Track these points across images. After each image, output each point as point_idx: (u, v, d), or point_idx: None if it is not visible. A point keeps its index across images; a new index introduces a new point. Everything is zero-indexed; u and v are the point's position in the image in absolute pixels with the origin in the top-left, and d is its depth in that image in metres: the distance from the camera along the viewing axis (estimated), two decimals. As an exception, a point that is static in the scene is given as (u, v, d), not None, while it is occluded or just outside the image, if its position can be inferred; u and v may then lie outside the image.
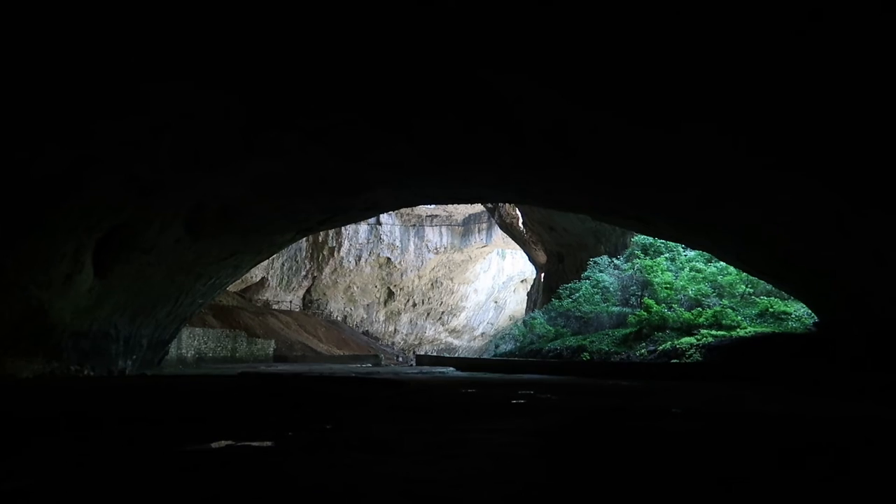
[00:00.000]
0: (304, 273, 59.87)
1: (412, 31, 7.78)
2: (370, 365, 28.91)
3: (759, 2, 6.02)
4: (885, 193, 8.71)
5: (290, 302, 58.36)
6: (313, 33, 7.98)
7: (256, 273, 55.06)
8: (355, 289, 63.36)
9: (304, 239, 58.29)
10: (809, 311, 15.74)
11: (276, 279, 57.81)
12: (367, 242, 62.07)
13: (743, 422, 6.20)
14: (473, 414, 6.71)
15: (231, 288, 50.07)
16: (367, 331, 61.46)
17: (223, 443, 4.66)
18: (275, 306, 53.77)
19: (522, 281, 63.31)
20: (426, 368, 22.93)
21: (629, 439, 4.90)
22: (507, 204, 43.05)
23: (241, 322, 35.08)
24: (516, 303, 64.67)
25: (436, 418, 6.21)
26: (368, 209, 18.68)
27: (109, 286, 15.32)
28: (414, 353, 42.14)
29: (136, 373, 17.50)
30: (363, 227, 61.38)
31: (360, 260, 61.80)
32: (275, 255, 55.28)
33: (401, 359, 43.17)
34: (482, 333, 67.45)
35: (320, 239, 58.87)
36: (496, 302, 68.07)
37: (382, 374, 17.14)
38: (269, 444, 4.67)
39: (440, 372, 18.83)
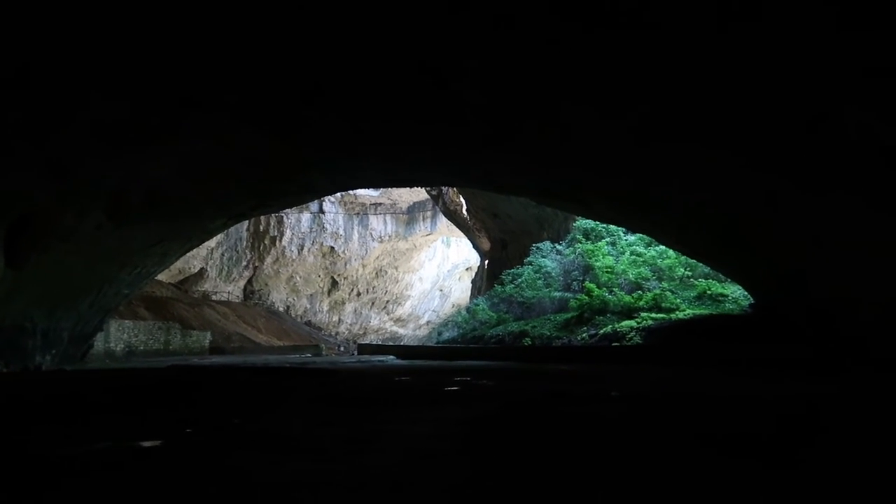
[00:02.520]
0: (244, 263, 58.10)
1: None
2: (310, 355, 28.11)
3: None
4: (819, 175, 8.63)
5: (230, 293, 56.59)
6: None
7: (195, 263, 53.12)
8: (298, 279, 61.98)
9: (245, 228, 56.61)
10: (746, 293, 15.89)
11: (216, 270, 55.91)
12: (310, 231, 60.69)
13: (680, 404, 5.93)
14: (400, 403, 6.24)
15: (166, 278, 48.17)
16: (309, 321, 60.27)
17: (103, 444, 4.05)
18: (214, 297, 52.04)
19: (467, 269, 63.17)
20: (366, 357, 22.36)
21: (563, 427, 4.52)
22: (451, 191, 42.64)
23: (175, 314, 33.67)
24: (461, 291, 64.56)
25: (357, 410, 5.72)
26: (303, 193, 17.93)
27: (23, 277, 14.17)
28: (355, 342, 41.43)
29: (54, 368, 16.37)
30: (306, 216, 59.98)
31: (302, 249, 60.39)
32: (213, 245, 53.48)
33: (342, 348, 42.34)
34: (427, 322, 67.11)
35: (261, 228, 57.23)
36: (441, 290, 67.83)
37: (318, 363, 16.52)
38: (158, 443, 4.08)
39: (379, 360, 18.32)
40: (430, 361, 16.75)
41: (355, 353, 31.75)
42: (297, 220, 59.89)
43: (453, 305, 64.44)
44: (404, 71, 9.25)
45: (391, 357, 20.81)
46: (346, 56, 8.71)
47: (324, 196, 19.23)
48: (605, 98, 8.91)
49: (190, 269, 53.05)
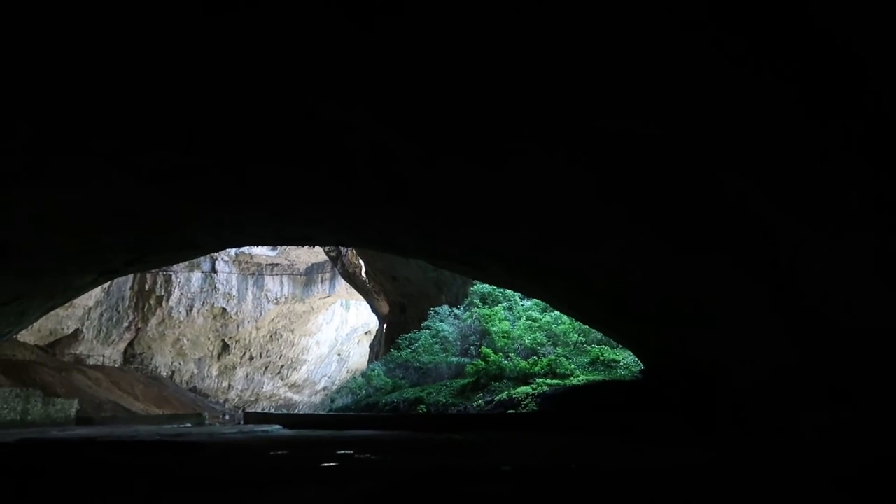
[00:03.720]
0: (126, 324, 54.07)
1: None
2: (189, 425, 25.93)
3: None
4: (697, 237, 8.81)
5: (109, 357, 52.25)
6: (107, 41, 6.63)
7: (68, 324, 48.83)
8: (185, 341, 58.33)
9: (129, 286, 52.94)
10: (637, 360, 16.10)
11: (93, 331, 51.63)
12: (201, 291, 57.69)
13: (568, 482, 5.53)
14: (266, 485, 5.46)
15: (32, 339, 43.85)
16: (195, 387, 56.52)
17: None
18: (90, 361, 47.77)
19: (367, 333, 61.82)
20: (249, 427, 20.78)
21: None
22: (349, 252, 41.96)
23: (38, 379, 30.38)
24: (360, 355, 62.91)
25: (212, 495, 4.91)
26: (184, 249, 16.75)
27: None
28: (243, 411, 38.94)
29: None
30: (196, 275, 57.06)
31: (191, 310, 57.14)
32: (91, 304, 49.54)
33: (227, 417, 39.66)
34: (324, 388, 64.66)
35: (147, 287, 53.76)
36: (339, 354, 65.87)
37: (194, 435, 15.04)
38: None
39: (263, 431, 16.98)
40: (319, 431, 15.69)
41: (241, 421, 29.66)
42: (187, 280, 56.77)
43: (349, 371, 62.66)
44: (287, 114, 8.78)
45: (277, 427, 19.43)
46: (222, 100, 8.15)
47: (209, 253, 18.05)
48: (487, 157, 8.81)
49: (62, 329, 48.69)
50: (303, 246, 25.47)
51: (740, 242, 8.30)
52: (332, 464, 7.08)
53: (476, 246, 13.09)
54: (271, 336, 61.70)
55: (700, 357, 11.88)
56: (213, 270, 57.67)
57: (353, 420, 17.96)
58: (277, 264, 59.37)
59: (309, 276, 58.88)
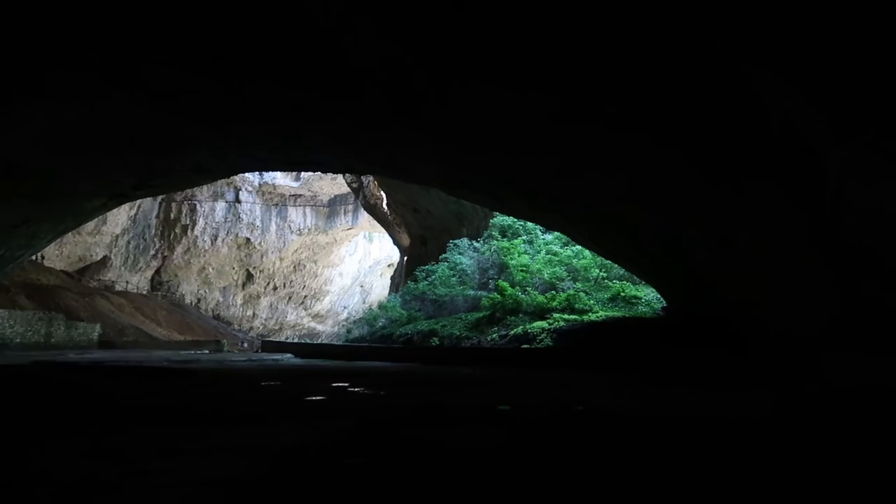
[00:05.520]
0: (153, 252, 54.65)
1: None
2: (208, 352, 26.12)
3: None
4: (731, 160, 7.87)
5: (136, 284, 53.04)
6: None
7: (97, 251, 49.43)
8: (210, 270, 58.93)
9: (154, 215, 53.20)
10: (659, 296, 15.36)
11: (121, 258, 52.30)
12: (225, 221, 57.77)
13: (573, 427, 4.91)
14: (231, 420, 4.95)
15: (60, 265, 44.49)
16: (219, 315, 57.35)
17: None
18: (118, 287, 48.46)
19: (389, 265, 61.77)
20: (261, 356, 20.71)
21: (409, 467, 3.37)
22: (372, 183, 41.22)
23: (61, 303, 30.78)
24: (383, 287, 63.08)
25: (166, 429, 4.41)
26: (193, 174, 16.17)
27: None
28: (260, 339, 39.19)
29: None
30: (221, 205, 57.04)
31: (216, 240, 57.43)
32: (119, 231, 49.97)
33: (246, 345, 40.10)
34: (347, 318, 65.25)
35: (172, 216, 54.02)
36: (362, 286, 66.18)
37: (202, 362, 14.88)
38: None
39: (273, 360, 16.80)
40: (328, 362, 15.42)
41: (259, 349, 29.88)
42: (212, 209, 56.81)
43: (371, 303, 63.05)
44: (283, 22, 7.96)
45: (289, 356, 19.29)
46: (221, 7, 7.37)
47: (219, 178, 17.50)
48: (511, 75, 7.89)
49: (91, 256, 49.33)
50: (313, 171, 24.78)
51: (780, 166, 7.37)
52: (318, 398, 6.57)
53: (494, 173, 12.26)
54: (294, 266, 61.96)
55: (730, 296, 11.07)
56: (237, 200, 57.52)
57: (365, 351, 17.68)
58: (301, 195, 58.94)
59: (332, 207, 58.45)
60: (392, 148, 12.21)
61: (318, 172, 43.23)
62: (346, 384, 8.22)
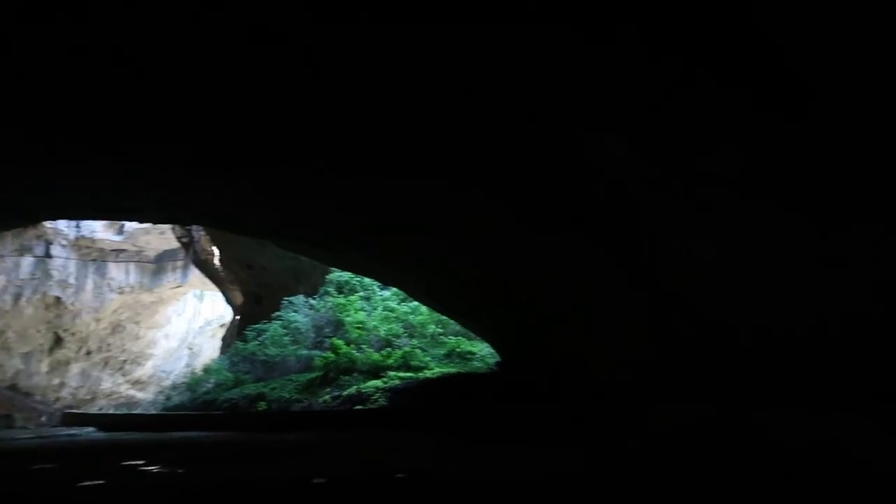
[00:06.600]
0: (-64, 313, 46.90)
1: None
2: (-8, 429, 22.34)
3: None
4: (555, 214, 8.01)
5: None
6: None
7: None
8: (11, 334, 51.66)
9: (-63, 270, 45.90)
10: (493, 351, 15.43)
11: None
12: (32, 278, 51.04)
13: (394, 497, 4.40)
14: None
15: None
16: (16, 385, 50.11)
17: None
18: None
19: (222, 325, 57.95)
20: (55, 431, 18.01)
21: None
22: (203, 238, 38.82)
23: None
24: (213, 349, 58.82)
25: None
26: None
27: None
28: (61, 412, 34.41)
29: None
30: (27, 260, 50.47)
31: (19, 299, 50.57)
32: None
33: (44, 419, 35.02)
34: (174, 385, 59.93)
35: (-37, 272, 47.00)
36: (191, 349, 61.34)
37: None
38: None
39: (69, 435, 14.55)
40: (136, 434, 13.63)
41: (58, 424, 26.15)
42: (15, 265, 50.13)
43: (202, 366, 58.51)
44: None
45: (90, 429, 16.91)
46: None
47: (12, 227, 15.21)
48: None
49: None
50: (126, 221, 22.66)
51: (601, 218, 7.59)
52: (95, 482, 5.47)
53: (328, 224, 11.72)
54: (113, 328, 56.01)
55: (560, 348, 11.25)
56: (48, 255, 51.44)
57: (180, 420, 15.94)
58: (124, 250, 53.92)
59: (159, 263, 54.03)
60: (207, 194, 11.28)
61: (145, 224, 39.96)
62: (142, 461, 7.06)
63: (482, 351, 16.34)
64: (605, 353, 9.64)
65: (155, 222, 17.81)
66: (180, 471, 6.23)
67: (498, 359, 14.85)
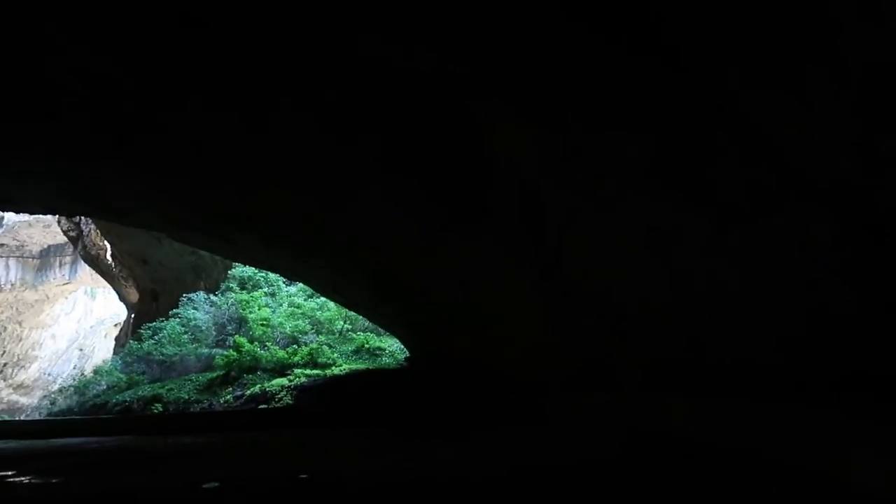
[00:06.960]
0: None
1: None
2: None
3: None
4: (461, 208, 7.91)
5: None
6: None
7: None
8: None
9: None
10: (402, 347, 15.26)
11: None
12: None
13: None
14: None
15: None
16: None
17: None
18: None
19: (116, 325, 54.63)
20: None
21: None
22: (93, 232, 36.29)
23: None
24: (107, 350, 55.44)
25: None
26: None
27: None
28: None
29: None
30: None
31: None
32: None
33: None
34: (61, 389, 56.00)
35: None
36: (81, 350, 57.60)
37: None
38: None
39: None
40: (11, 443, 12.47)
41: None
42: None
43: (93, 369, 55.01)
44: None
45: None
46: None
47: None
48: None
49: None
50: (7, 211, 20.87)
51: (508, 215, 7.55)
52: (-50, 497, 4.86)
53: (230, 216, 11.12)
54: (-8, 329, 51.74)
55: (471, 343, 11.20)
56: (-85, 250, 46.72)
57: (67, 425, 14.78)
58: (3, 244, 49.89)
59: (44, 258, 50.30)
60: (105, 183, 10.47)
61: (22, 216, 37.16)
62: (12, 472, 6.38)
63: (391, 347, 16.16)
64: (514, 346, 9.68)
65: (34, 211, 16.42)
66: (55, 480, 5.66)
67: (407, 354, 14.71)
